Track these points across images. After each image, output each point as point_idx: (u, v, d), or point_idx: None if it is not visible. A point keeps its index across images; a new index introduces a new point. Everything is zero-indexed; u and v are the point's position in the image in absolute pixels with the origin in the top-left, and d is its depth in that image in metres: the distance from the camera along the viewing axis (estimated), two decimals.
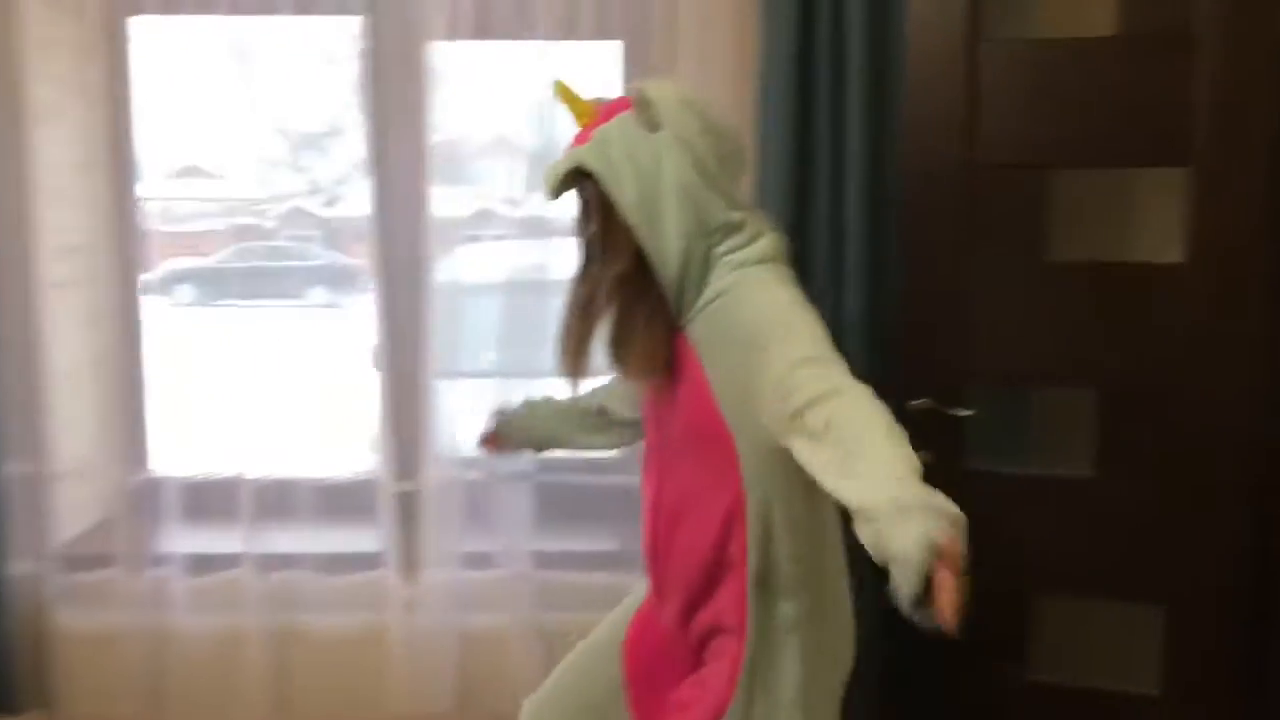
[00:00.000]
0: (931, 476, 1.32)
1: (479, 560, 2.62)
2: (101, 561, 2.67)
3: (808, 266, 2.37)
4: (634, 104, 1.61)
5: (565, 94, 1.70)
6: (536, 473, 2.60)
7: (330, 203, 3.27)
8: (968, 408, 2.24)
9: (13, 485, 2.59)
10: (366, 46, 2.58)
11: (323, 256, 3.24)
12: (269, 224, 3.00)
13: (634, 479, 2.54)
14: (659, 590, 1.79)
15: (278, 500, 2.63)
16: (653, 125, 1.60)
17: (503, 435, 2.08)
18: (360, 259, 3.21)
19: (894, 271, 2.33)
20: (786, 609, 1.64)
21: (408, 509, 2.62)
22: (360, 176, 2.66)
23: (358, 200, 2.70)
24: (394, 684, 2.61)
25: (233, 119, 2.65)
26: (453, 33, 2.49)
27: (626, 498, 2.59)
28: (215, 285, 3.54)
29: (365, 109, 2.60)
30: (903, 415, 2.27)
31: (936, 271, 2.26)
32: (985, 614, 2.22)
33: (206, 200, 3.19)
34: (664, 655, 1.81)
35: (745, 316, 1.56)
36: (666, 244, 1.58)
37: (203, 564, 2.65)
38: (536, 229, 2.57)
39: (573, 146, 1.65)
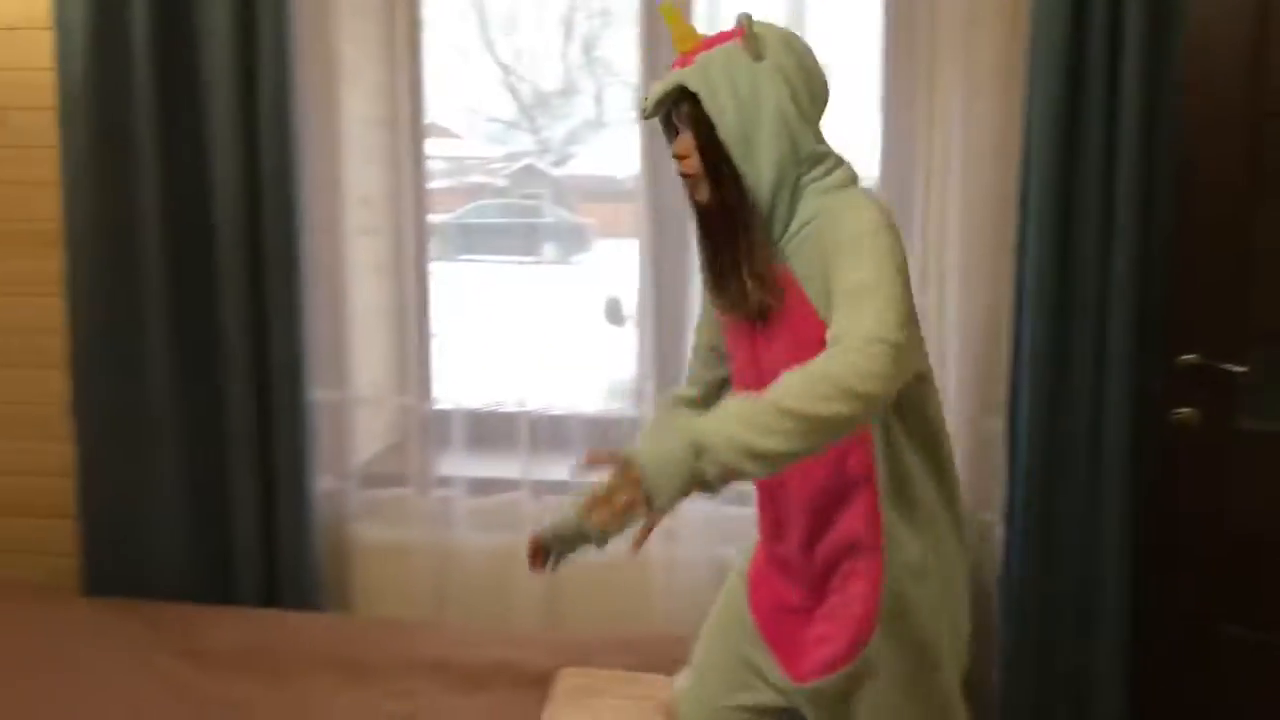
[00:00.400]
0: (1199, 435, 1.35)
1: (737, 497, 2.75)
2: (394, 481, 2.95)
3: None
4: (740, 34, 1.64)
5: (671, 15, 1.71)
6: None
7: (560, 162, 3.36)
8: (1242, 365, 2.19)
9: (319, 410, 2.89)
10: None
11: (550, 214, 3.38)
12: (500, 182, 3.19)
13: None
14: (776, 528, 1.80)
15: (551, 432, 2.84)
16: (756, 55, 1.63)
17: (548, 546, 2.01)
18: (589, 218, 3.37)
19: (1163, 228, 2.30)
20: (914, 549, 1.66)
21: None
22: (590, 135, 2.78)
23: (588, 159, 2.83)
24: (654, 605, 2.79)
25: (471, 78, 2.82)
26: None
27: None
28: (456, 240, 3.74)
29: (641, 65, 2.72)
30: (1170, 371, 2.27)
31: (1215, 224, 2.21)
32: (1254, 575, 2.22)
33: (447, 159, 3.39)
34: (786, 605, 1.80)
35: (840, 235, 1.57)
36: (761, 169, 1.62)
37: (483, 487, 2.90)
38: None
39: (674, 69, 1.68)
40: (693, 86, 1.64)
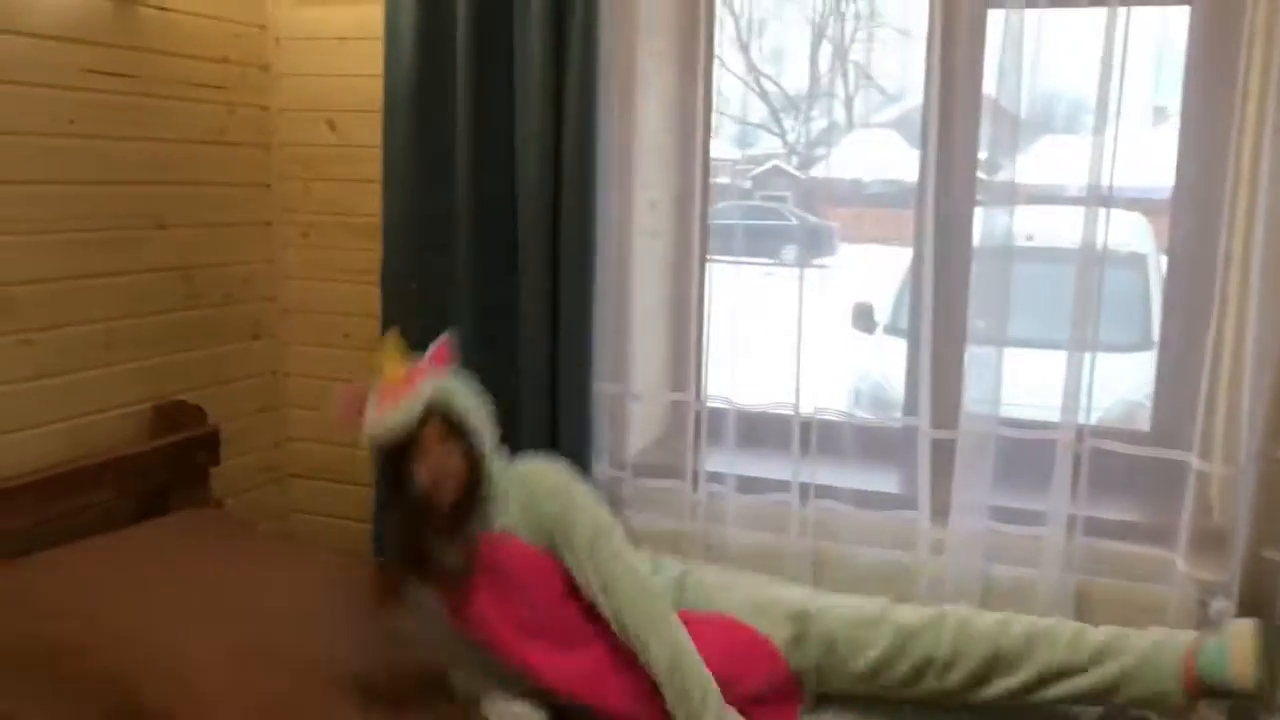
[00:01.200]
0: None
1: (1008, 514, 2.73)
2: (667, 472, 3.08)
3: None
4: (443, 355, 2.42)
5: (391, 357, 2.35)
6: (1074, 439, 2.63)
7: (804, 165, 3.36)
8: None
9: (602, 401, 3.05)
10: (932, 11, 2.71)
11: (794, 217, 3.40)
12: (745, 184, 3.22)
13: (1181, 456, 2.55)
14: None
15: (822, 437, 2.89)
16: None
17: None
18: (834, 220, 3.37)
19: None
20: None
21: (941, 457, 2.77)
22: (838, 138, 2.80)
23: (834, 163, 2.85)
24: None
25: (722, 80, 2.90)
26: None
27: (1168, 470, 2.59)
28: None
29: (928, 71, 2.73)
30: None
31: None
32: None
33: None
34: None
35: (544, 489, 2.46)
36: (493, 463, 2.44)
37: (752, 485, 2.98)
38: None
39: (394, 398, 2.31)
40: (459, 404, 2.39)
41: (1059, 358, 2.64)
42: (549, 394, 3.00)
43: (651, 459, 3.19)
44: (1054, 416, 2.65)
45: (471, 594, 2.40)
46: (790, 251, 3.82)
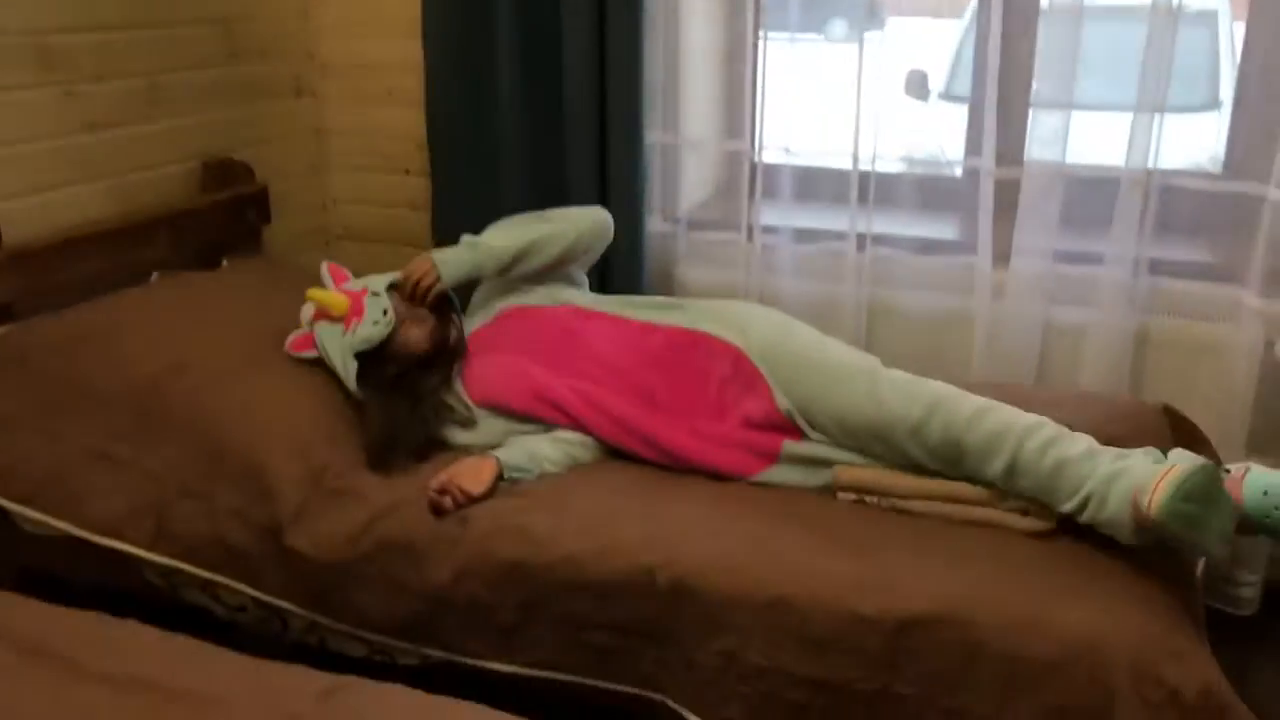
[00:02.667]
0: None
1: (1071, 257, 2.70)
2: (721, 225, 3.05)
3: None
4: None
5: (319, 296, 2.41)
6: (1143, 177, 2.57)
7: None
8: None
9: (654, 152, 2.99)
10: None
11: None
12: None
13: (1248, 188, 2.49)
14: None
15: (880, 189, 2.83)
16: None
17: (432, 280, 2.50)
18: None
19: None
20: None
21: (1003, 202, 2.72)
22: None
23: None
24: (972, 363, 2.80)
25: None
26: None
27: (1236, 208, 2.54)
28: None
29: None
30: None
31: None
32: None
33: None
34: None
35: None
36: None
37: (808, 236, 2.95)
38: None
39: (357, 310, 2.41)
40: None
41: (1125, 120, 2.57)
42: (597, 143, 2.94)
43: (705, 214, 3.15)
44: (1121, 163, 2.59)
45: (473, 370, 2.47)
46: (839, 26, 3.69)
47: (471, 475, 2.16)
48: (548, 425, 2.35)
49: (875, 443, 2.16)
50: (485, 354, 2.46)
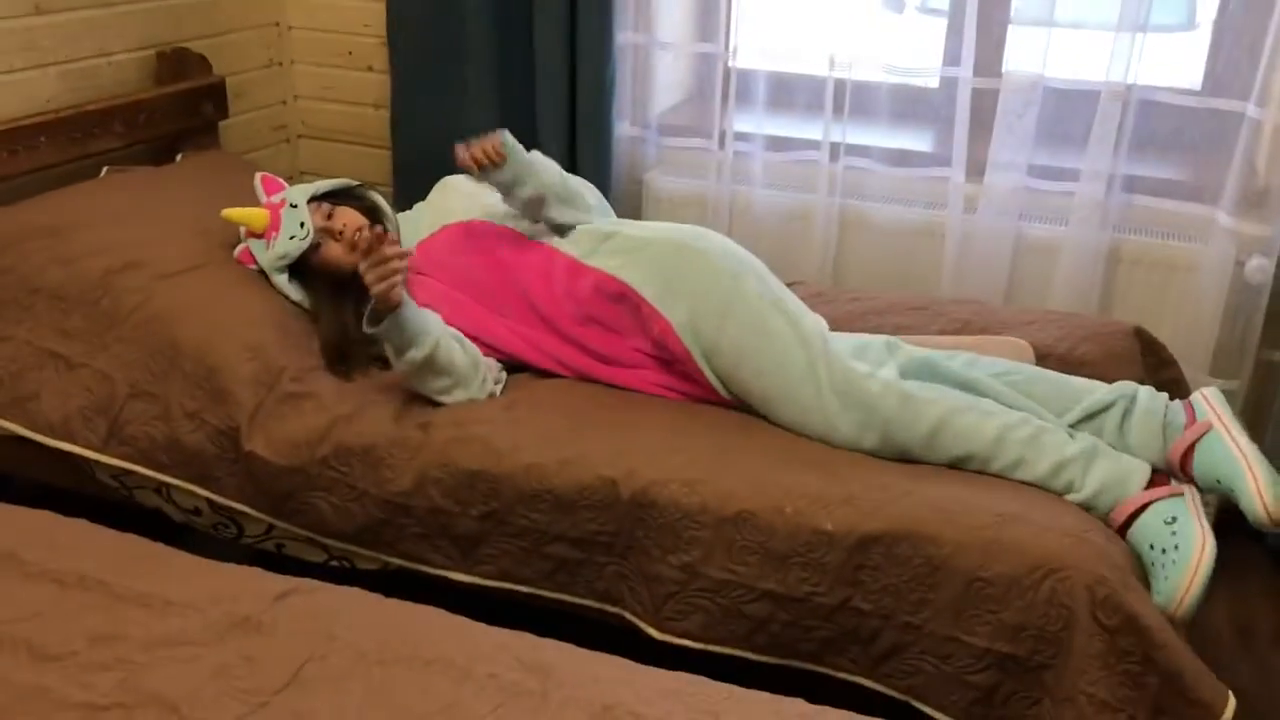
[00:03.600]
0: None
1: (1046, 172, 2.66)
2: (692, 132, 2.98)
3: None
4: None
5: (238, 216, 2.33)
6: (1123, 91, 2.52)
7: None
8: None
9: (624, 54, 2.90)
10: None
11: None
12: None
13: (1227, 105, 2.46)
14: None
15: (855, 99, 2.77)
16: None
17: (499, 156, 2.27)
18: None
19: None
20: None
21: (980, 114, 2.67)
22: None
23: None
24: (943, 275, 2.77)
25: None
26: None
27: (1213, 125, 2.51)
28: None
29: None
30: None
31: None
32: None
33: None
34: None
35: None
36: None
37: (781, 144, 2.89)
38: None
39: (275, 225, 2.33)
40: (320, 187, 2.45)
41: (1106, 38, 2.52)
42: (567, 41, 2.84)
43: (677, 119, 3.07)
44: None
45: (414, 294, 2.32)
46: None
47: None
48: None
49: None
50: (426, 277, 2.36)
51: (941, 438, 1.96)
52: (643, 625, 1.94)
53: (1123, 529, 1.87)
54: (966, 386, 2.06)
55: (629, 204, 3.05)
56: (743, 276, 2.19)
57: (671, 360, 2.18)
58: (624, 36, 2.88)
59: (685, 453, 1.96)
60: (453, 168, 2.35)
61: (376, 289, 2.01)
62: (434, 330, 2.10)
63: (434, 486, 1.99)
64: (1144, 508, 1.85)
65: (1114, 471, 1.92)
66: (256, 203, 2.41)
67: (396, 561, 2.08)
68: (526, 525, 1.96)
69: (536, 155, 2.34)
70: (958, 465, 1.97)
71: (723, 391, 2.14)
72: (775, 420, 2.08)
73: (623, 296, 2.21)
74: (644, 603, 1.93)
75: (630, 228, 2.36)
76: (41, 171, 2.56)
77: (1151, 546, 1.79)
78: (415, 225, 2.48)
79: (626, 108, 2.99)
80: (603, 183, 2.90)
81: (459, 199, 2.48)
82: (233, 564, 1.66)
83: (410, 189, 3.07)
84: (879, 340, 2.20)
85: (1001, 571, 1.74)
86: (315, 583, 1.60)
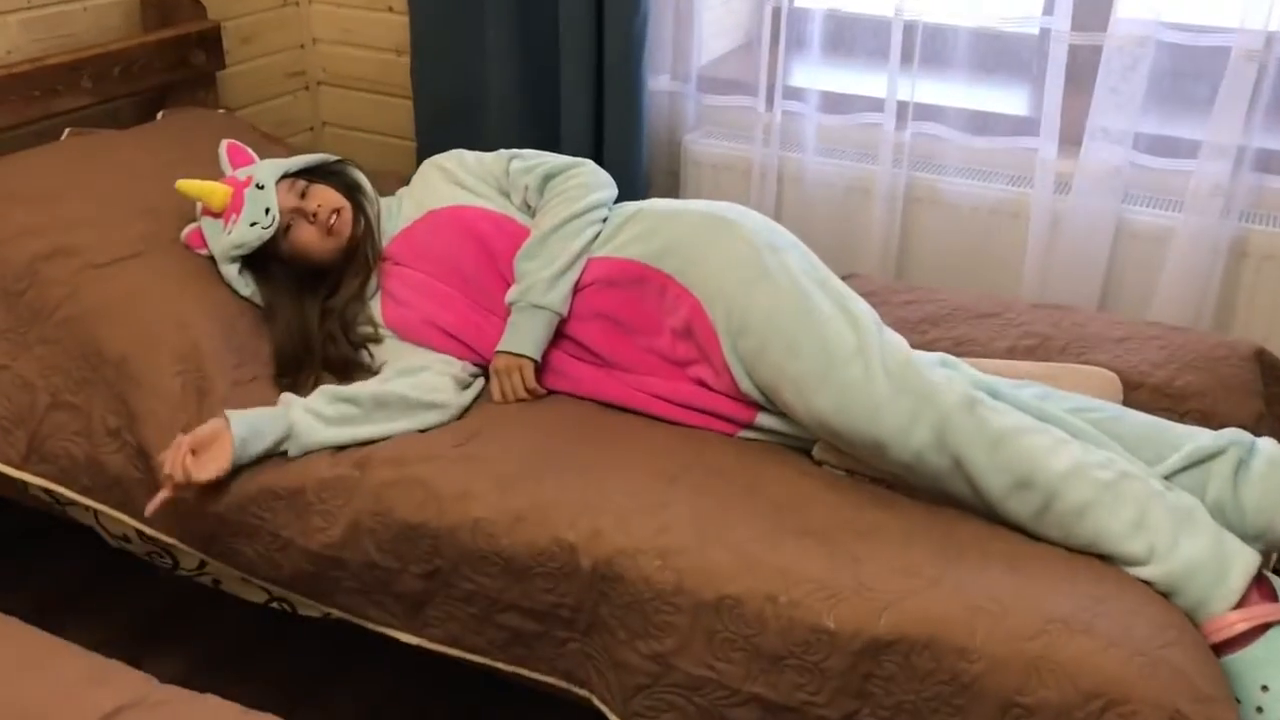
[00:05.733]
0: None
1: (1157, 144, 2.18)
2: (738, 88, 2.56)
3: None
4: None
5: (193, 188, 2.00)
6: (1261, 46, 2.03)
7: None
8: None
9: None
10: None
11: None
12: None
13: None
14: None
15: (930, 46, 2.32)
16: None
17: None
18: None
19: None
20: None
21: (1079, 72, 2.19)
22: None
23: None
24: (1028, 266, 2.32)
25: None
26: None
27: None
28: None
29: None
30: None
31: None
32: None
33: None
34: None
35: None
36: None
37: (839, 104, 2.45)
38: None
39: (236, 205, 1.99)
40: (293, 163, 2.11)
41: None
42: None
43: (723, 71, 2.65)
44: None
45: (392, 285, 2.04)
46: None
47: (208, 452, 1.72)
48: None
49: (860, 450, 1.68)
50: (406, 268, 2.05)
51: (1005, 450, 1.57)
52: (612, 716, 1.59)
53: (1219, 646, 1.45)
54: (1039, 419, 1.66)
55: (664, 170, 2.66)
56: (783, 250, 1.85)
57: (691, 356, 1.84)
58: None
59: (664, 512, 1.59)
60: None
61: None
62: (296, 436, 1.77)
63: (368, 538, 1.67)
64: (1257, 631, 1.43)
65: (1212, 551, 1.50)
66: (235, 165, 2.11)
67: (336, 613, 1.78)
68: (474, 590, 1.63)
69: (528, 276, 1.94)
70: (1016, 494, 1.57)
71: (744, 383, 1.78)
72: (807, 411, 1.68)
73: (642, 279, 1.88)
74: (612, 691, 1.58)
75: (656, 205, 2.02)
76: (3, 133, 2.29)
77: (1265, 688, 1.38)
78: (396, 211, 2.14)
79: (666, 58, 2.58)
80: (632, 145, 2.52)
81: (444, 183, 2.12)
82: (95, 654, 1.38)
83: (434, 144, 2.73)
84: (933, 358, 1.79)
85: (1047, 698, 1.35)
86: (168, 691, 1.29)
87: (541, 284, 1.91)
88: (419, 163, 2.76)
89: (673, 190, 2.67)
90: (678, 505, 1.60)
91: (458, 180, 2.10)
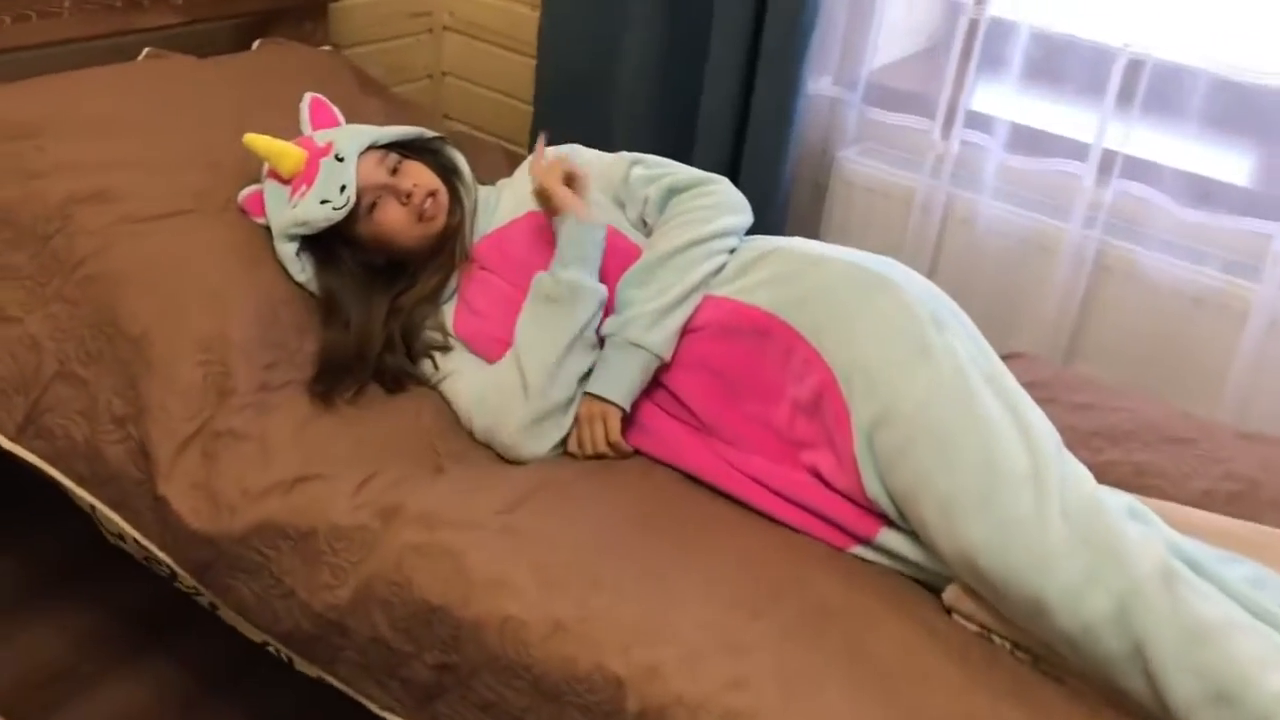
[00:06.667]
0: None
1: None
2: (911, 104, 2.17)
3: None
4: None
5: (261, 144, 1.71)
6: None
7: None
8: None
9: None
10: None
11: None
12: None
13: None
14: None
15: (1155, 89, 1.90)
16: None
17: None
18: None
19: None
20: None
21: None
22: None
23: None
24: (1235, 378, 1.90)
25: None
26: None
27: None
28: None
29: None
30: None
31: None
32: None
33: None
34: None
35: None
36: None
37: (1030, 142, 2.05)
38: None
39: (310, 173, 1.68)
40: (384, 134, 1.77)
41: None
42: None
43: (894, 80, 2.25)
44: None
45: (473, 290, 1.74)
46: None
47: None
48: None
49: (1011, 606, 1.31)
50: (490, 273, 1.73)
51: (1208, 650, 1.20)
52: None
53: None
54: (1254, 615, 1.27)
55: (809, 182, 2.30)
56: (949, 328, 1.48)
57: (811, 438, 1.49)
58: None
59: (742, 658, 1.25)
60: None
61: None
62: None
63: (380, 611, 1.36)
64: None
65: None
66: (316, 125, 1.83)
67: (336, 683, 1.48)
68: (494, 700, 1.31)
69: (632, 304, 1.60)
70: (1206, 708, 1.20)
71: (873, 485, 1.42)
72: (951, 541, 1.33)
73: (766, 333, 1.54)
74: None
75: (797, 245, 1.66)
76: (65, 46, 2.03)
77: None
78: (494, 204, 1.82)
79: (831, 58, 2.21)
80: (775, 155, 2.16)
81: None
82: None
83: (551, 114, 2.42)
84: (1120, 503, 1.40)
85: None
86: None
87: (645, 318, 1.57)
88: (534, 131, 2.47)
89: (816, 209, 2.30)
90: (760, 652, 1.25)
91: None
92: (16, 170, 1.74)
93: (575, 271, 1.58)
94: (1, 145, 1.77)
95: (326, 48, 2.43)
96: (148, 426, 1.53)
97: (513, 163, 1.99)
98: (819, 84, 2.20)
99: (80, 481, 1.61)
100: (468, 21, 2.79)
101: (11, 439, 1.65)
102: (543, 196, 1.69)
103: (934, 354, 1.43)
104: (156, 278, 1.63)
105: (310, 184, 1.68)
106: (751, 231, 1.73)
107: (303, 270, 1.71)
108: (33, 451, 1.63)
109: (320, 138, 1.74)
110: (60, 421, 1.61)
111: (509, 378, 1.57)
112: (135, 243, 1.67)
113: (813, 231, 2.30)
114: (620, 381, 1.57)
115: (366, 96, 2.19)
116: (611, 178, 1.76)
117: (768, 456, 1.52)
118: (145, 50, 2.12)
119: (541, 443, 1.55)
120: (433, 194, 1.70)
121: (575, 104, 2.42)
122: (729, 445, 1.55)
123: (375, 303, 1.69)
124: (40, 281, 1.67)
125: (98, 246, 1.66)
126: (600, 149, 1.83)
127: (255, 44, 2.29)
